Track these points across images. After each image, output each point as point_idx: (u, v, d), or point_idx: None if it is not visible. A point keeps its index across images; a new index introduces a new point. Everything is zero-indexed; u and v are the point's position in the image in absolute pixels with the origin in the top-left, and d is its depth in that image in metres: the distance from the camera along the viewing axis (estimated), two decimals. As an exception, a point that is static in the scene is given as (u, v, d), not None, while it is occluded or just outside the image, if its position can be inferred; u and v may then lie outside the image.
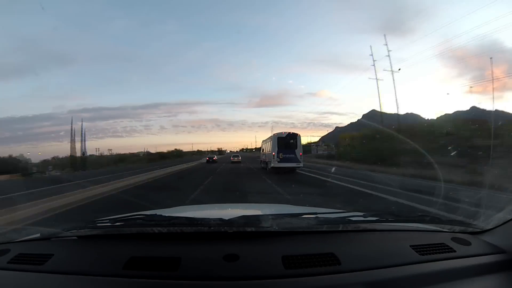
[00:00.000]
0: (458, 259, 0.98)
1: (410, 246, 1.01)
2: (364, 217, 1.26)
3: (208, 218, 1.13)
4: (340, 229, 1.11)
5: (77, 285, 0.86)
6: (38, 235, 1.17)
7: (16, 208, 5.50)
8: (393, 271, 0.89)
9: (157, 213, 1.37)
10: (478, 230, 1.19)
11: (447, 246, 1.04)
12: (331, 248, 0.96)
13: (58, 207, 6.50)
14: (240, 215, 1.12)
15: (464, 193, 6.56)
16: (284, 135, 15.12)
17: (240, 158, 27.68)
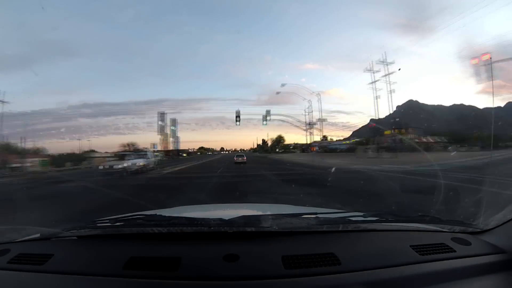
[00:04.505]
0: (458, 259, 0.98)
1: (410, 246, 1.01)
2: (364, 217, 1.26)
3: (208, 218, 1.13)
4: (340, 229, 1.11)
5: (77, 285, 0.86)
6: (38, 235, 1.17)
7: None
8: (393, 271, 0.89)
9: (157, 213, 1.37)
10: (478, 230, 1.19)
11: (447, 246, 1.04)
12: (331, 248, 0.95)
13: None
14: (240, 215, 1.12)
15: None
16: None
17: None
